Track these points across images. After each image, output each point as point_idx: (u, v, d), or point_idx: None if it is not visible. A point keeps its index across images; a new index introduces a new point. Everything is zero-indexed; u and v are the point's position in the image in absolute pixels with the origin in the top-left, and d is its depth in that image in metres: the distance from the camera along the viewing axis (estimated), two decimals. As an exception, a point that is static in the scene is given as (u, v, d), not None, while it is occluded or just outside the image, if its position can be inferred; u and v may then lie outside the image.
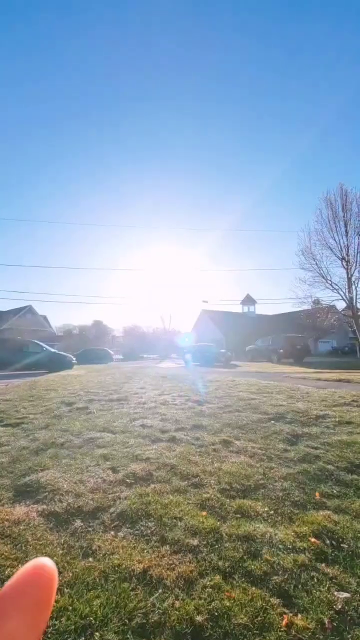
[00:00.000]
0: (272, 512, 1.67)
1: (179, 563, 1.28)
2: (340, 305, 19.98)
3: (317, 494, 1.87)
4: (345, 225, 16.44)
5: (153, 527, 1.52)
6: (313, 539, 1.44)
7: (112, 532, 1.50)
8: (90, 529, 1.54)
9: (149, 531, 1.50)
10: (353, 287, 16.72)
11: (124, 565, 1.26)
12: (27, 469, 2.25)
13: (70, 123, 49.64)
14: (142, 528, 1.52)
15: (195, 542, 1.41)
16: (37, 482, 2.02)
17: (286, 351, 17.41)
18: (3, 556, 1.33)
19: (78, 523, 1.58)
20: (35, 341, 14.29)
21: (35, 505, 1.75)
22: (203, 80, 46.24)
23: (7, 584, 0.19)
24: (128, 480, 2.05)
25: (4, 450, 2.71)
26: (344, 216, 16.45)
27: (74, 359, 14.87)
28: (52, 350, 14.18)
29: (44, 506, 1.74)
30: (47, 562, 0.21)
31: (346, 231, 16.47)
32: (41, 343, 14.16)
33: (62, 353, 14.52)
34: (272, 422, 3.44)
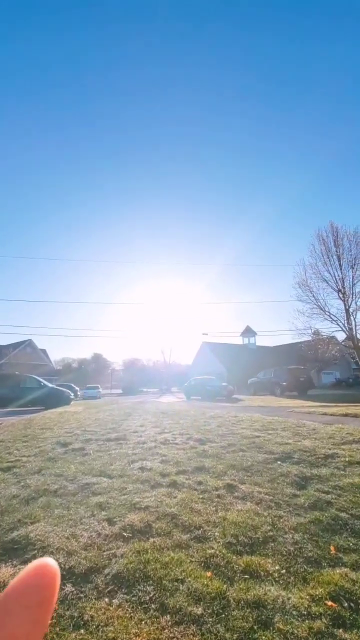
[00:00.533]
0: (283, 571, 1.51)
1: (181, 637, 1.14)
2: (341, 336, 20.01)
3: (332, 547, 1.71)
4: (339, 259, 17.11)
5: (152, 592, 1.37)
6: (330, 602, 1.29)
7: (107, 599, 1.35)
8: (82, 594, 1.38)
9: (147, 597, 1.34)
10: (351, 318, 16.88)
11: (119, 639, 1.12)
12: (16, 522, 2.08)
13: (71, 162, 54.08)
14: (140, 593, 1.37)
15: (199, 610, 1.26)
16: (25, 537, 1.86)
17: (289, 384, 17.03)
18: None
19: (69, 588, 1.42)
20: (33, 376, 14.03)
21: (23, 566, 1.59)
22: (203, 127, 51.41)
23: (12, 583, 0.20)
24: (125, 534, 1.88)
25: (-7, 499, 2.53)
26: (336, 251, 17.19)
27: (72, 394, 14.48)
28: (50, 385, 13.88)
29: (32, 566, 1.58)
30: (49, 562, 0.21)
31: (340, 264, 17.09)
32: (39, 378, 13.89)
33: (60, 388, 14.18)
34: (279, 462, 3.25)
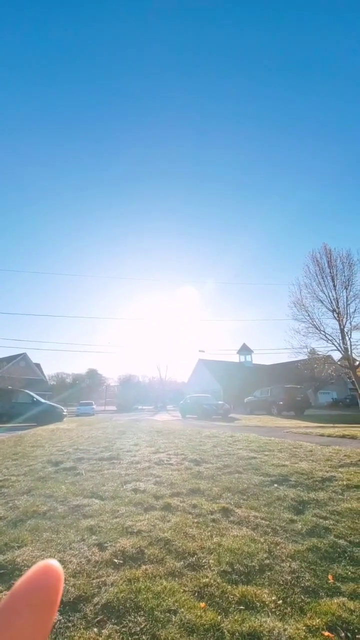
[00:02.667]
0: (280, 601, 1.46)
1: (173, 674, 1.08)
2: (337, 355, 20.05)
3: (330, 576, 1.66)
4: (333, 280, 17.47)
5: (143, 623, 1.31)
6: (326, 632, 1.24)
7: (96, 629, 1.28)
8: (70, 624, 1.31)
9: (138, 628, 1.28)
10: (346, 337, 17.01)
11: None
12: (3, 546, 1.99)
13: (67, 177, 55.72)
14: (131, 624, 1.31)
15: (192, 643, 1.20)
16: (12, 562, 1.78)
17: (286, 403, 16.84)
18: None
19: (57, 616, 1.35)
20: (26, 391, 13.75)
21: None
22: (201, 145, 53.85)
23: (18, 583, 0.21)
24: (116, 560, 1.81)
25: (-21, 520, 2.43)
26: (330, 272, 17.60)
27: (65, 410, 14.14)
28: (43, 401, 13.58)
29: (18, 595, 1.50)
30: (54, 563, 0.22)
31: (334, 285, 17.43)
32: (32, 393, 13.61)
33: (53, 404, 13.87)
34: (275, 485, 3.18)
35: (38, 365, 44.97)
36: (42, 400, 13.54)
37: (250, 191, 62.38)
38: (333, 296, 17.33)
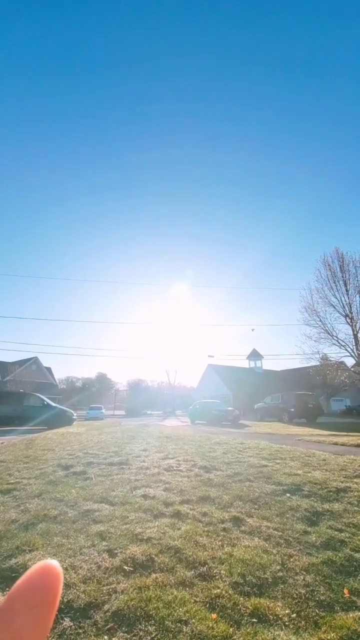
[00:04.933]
0: (294, 615, 1.41)
1: None
2: (350, 361, 19.56)
3: (346, 590, 1.60)
4: (345, 285, 17.15)
5: (154, 633, 1.29)
6: (345, 654, 1.19)
7: (106, 637, 1.27)
8: (80, 630, 1.31)
9: (148, 638, 1.27)
10: (360, 343, 16.58)
11: None
12: (14, 549, 2.01)
13: (76, 182, 56.88)
14: (141, 633, 1.29)
15: (203, 656, 1.18)
16: (23, 566, 1.79)
17: (298, 410, 16.46)
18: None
19: (67, 622, 1.35)
20: (37, 395, 13.97)
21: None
22: (210, 147, 54.25)
23: (17, 583, 0.20)
24: (126, 568, 1.80)
25: (-8, 523, 2.46)
26: (342, 276, 17.29)
27: (75, 414, 14.27)
28: (53, 404, 13.74)
29: (30, 598, 1.51)
30: (53, 563, 0.22)
31: (346, 289, 17.10)
32: (43, 397, 13.81)
33: (63, 408, 14.03)
34: (288, 495, 3.10)
35: (49, 369, 45.68)
36: (53, 404, 13.70)
37: (260, 194, 62.38)
38: (346, 301, 17.00)
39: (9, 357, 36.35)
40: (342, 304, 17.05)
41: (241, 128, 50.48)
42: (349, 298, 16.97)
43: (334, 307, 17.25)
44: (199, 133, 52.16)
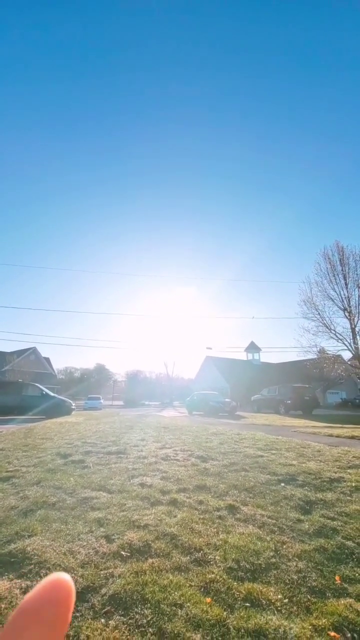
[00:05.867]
0: (286, 600, 1.45)
1: (179, 667, 1.09)
2: (347, 355, 19.69)
3: (337, 577, 1.64)
4: (345, 278, 17.10)
5: (150, 616, 1.33)
6: (332, 633, 1.23)
7: (103, 620, 1.31)
8: (78, 613, 1.34)
9: (144, 620, 1.30)
10: (357, 337, 16.66)
11: (114, 667, 1.08)
12: (14, 534, 2.05)
13: (75, 171, 56.00)
14: (137, 616, 1.33)
15: (198, 637, 1.21)
16: (22, 551, 1.83)
17: (294, 402, 16.67)
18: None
19: (65, 606, 1.39)
20: (36, 385, 14.02)
21: (19, 581, 1.56)
22: (207, 140, 53.17)
23: (27, 597, 0.20)
24: (123, 553, 1.84)
25: (-9, 509, 2.50)
26: (342, 270, 17.22)
27: (73, 404, 14.38)
28: (52, 394, 13.82)
29: (28, 582, 1.54)
30: (65, 577, 0.21)
31: (346, 283, 17.06)
32: (41, 387, 13.87)
33: (62, 398, 14.11)
34: (282, 484, 3.16)
35: (47, 359, 45.77)
36: (51, 394, 13.78)
37: (258, 187, 61.48)
38: (344, 295, 16.99)
39: (7, 347, 36.29)
40: (341, 297, 17.05)
41: (241, 120, 49.35)
42: (348, 292, 16.95)
43: (333, 301, 17.26)
44: (198, 124, 50.99)
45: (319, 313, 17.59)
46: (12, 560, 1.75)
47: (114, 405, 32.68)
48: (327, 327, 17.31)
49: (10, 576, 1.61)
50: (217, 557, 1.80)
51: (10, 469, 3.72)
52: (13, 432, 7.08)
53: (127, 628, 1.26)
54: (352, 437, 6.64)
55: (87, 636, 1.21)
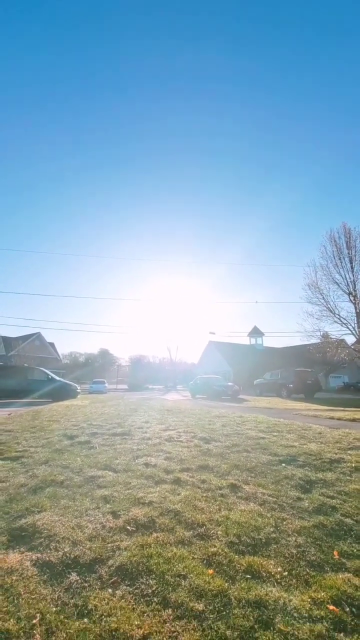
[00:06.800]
0: (285, 573, 1.51)
1: (183, 631, 1.15)
2: (350, 339, 19.65)
3: (335, 552, 1.70)
4: (351, 262, 16.76)
5: (154, 586, 1.39)
6: (331, 606, 1.28)
7: (110, 590, 1.38)
8: (86, 584, 1.41)
9: (149, 590, 1.37)
10: (362, 321, 16.54)
11: (121, 630, 1.14)
12: (24, 510, 2.14)
13: (80, 158, 54.43)
14: (143, 586, 1.39)
15: (200, 606, 1.27)
16: (33, 525, 1.91)
17: (296, 386, 16.84)
18: (-9, 613, 1.22)
19: (74, 576, 1.46)
20: (41, 369, 14.29)
21: (30, 553, 1.64)
22: (210, 120, 50.88)
23: None
24: (129, 528, 1.91)
25: (1, 487, 2.60)
26: (348, 253, 16.84)
27: (79, 388, 14.69)
28: (57, 378, 14.10)
29: (39, 554, 1.62)
30: None
31: (352, 267, 16.74)
32: (47, 371, 14.13)
33: (67, 382, 14.40)
34: (283, 465, 3.23)
35: (52, 344, 46.38)
36: (57, 378, 14.06)
37: (263, 167, 59.20)
38: (350, 278, 16.72)
39: (12, 333, 36.73)
40: (347, 281, 16.79)
41: (244, 98, 46.67)
42: (353, 275, 16.67)
43: (338, 285, 17.01)
44: (200, 102, 48.38)
45: (323, 297, 17.40)
46: (23, 534, 1.83)
47: (119, 389, 33.33)
48: (331, 311, 17.18)
49: (22, 549, 1.68)
50: (219, 532, 1.86)
51: (19, 449, 3.85)
52: (21, 415, 7.29)
53: (133, 597, 1.33)
54: (354, 420, 6.73)
55: (95, 606, 1.27)
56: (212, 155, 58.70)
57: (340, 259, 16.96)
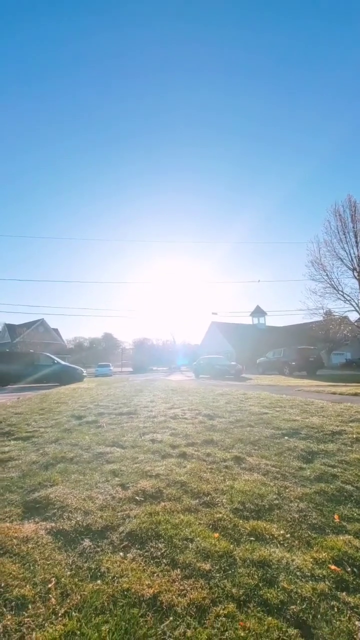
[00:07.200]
0: (288, 535, 1.59)
1: (191, 589, 1.23)
2: (354, 316, 19.56)
3: (336, 516, 1.77)
4: (355, 236, 16.30)
5: (163, 549, 1.47)
6: (333, 566, 1.35)
7: (121, 553, 1.46)
8: (98, 549, 1.49)
9: (159, 553, 1.45)
10: (366, 297, 16.36)
11: (133, 590, 1.22)
12: (37, 484, 2.24)
13: (81, 140, 52.24)
14: (152, 549, 1.47)
15: (207, 566, 1.35)
16: (46, 498, 2.00)
17: (298, 364, 17.00)
18: (12, 575, 1.30)
19: (86, 542, 1.54)
20: (47, 354, 14.50)
21: (44, 523, 1.73)
22: (211, 96, 48.01)
23: None
24: (138, 498, 2.00)
25: (15, 464, 2.71)
26: (353, 227, 16.35)
27: (84, 371, 14.96)
28: (63, 363, 14.34)
29: (53, 524, 1.71)
30: None
31: (356, 241, 16.31)
32: (53, 356, 14.35)
33: (72, 366, 14.65)
34: (286, 438, 3.32)
35: (56, 330, 46.80)
36: (63, 362, 14.31)
37: (266, 145, 56.25)
38: (355, 254, 16.35)
39: (16, 320, 36.99)
40: (351, 257, 16.44)
41: (248, 74, 43.33)
42: (358, 250, 16.28)
43: (342, 261, 16.68)
44: (202, 79, 45.10)
45: (326, 274, 17.14)
46: (37, 506, 1.93)
47: (123, 371, 33.95)
48: (334, 288, 16.98)
49: (36, 519, 1.77)
50: (224, 500, 1.94)
51: (30, 430, 3.98)
52: (29, 398, 7.48)
53: (144, 560, 1.41)
54: (355, 394, 6.83)
55: (107, 568, 1.35)
56: (216, 132, 55.78)
57: (344, 233, 16.51)
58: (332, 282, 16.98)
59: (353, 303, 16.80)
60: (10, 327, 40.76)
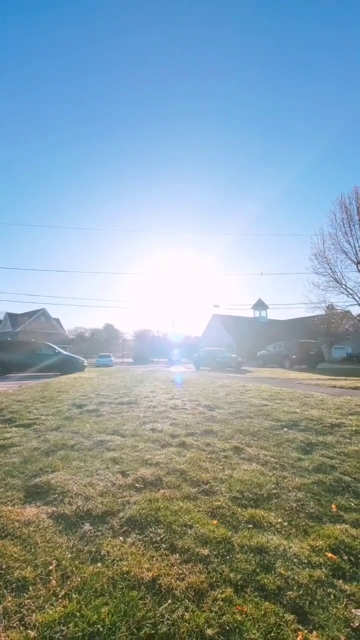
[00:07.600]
0: (285, 523, 1.61)
1: (189, 573, 1.25)
2: (356, 310, 19.48)
3: (333, 506, 1.79)
4: (361, 229, 16.05)
5: (162, 534, 1.49)
6: (330, 554, 1.37)
7: (121, 538, 1.48)
8: (99, 533, 1.52)
9: (158, 538, 1.47)
10: (369, 291, 16.24)
11: (132, 573, 1.24)
12: (38, 470, 2.27)
13: (82, 131, 51.20)
14: (152, 534, 1.49)
15: (205, 551, 1.37)
16: (47, 483, 2.03)
17: (299, 357, 17.03)
18: (13, 557, 1.33)
19: (87, 527, 1.56)
20: (48, 344, 14.56)
21: (45, 507, 1.75)
22: (214, 85, 46.65)
23: None
24: (137, 485, 2.02)
25: (16, 450, 2.75)
26: (359, 219, 16.08)
27: (85, 361, 15.05)
28: (65, 352, 14.40)
29: (54, 508, 1.73)
30: None
31: (362, 234, 16.07)
32: (54, 346, 14.41)
33: (74, 356, 14.73)
34: (285, 429, 3.34)
35: (57, 320, 46.93)
36: (64, 352, 14.38)
37: (267, 134, 54.78)
38: (359, 246, 16.13)
39: (18, 309, 37.08)
40: (356, 250, 16.25)
41: (248, 62, 41.68)
42: (363, 244, 16.06)
43: (346, 254, 16.51)
44: (203, 67, 43.48)
45: (330, 267, 17.00)
46: (39, 491, 1.95)
47: (124, 362, 34.16)
48: (337, 281, 16.85)
49: (38, 504, 1.80)
50: (222, 489, 1.96)
51: (31, 417, 4.02)
52: (31, 387, 7.55)
53: (143, 544, 1.43)
54: (355, 388, 6.85)
55: (108, 552, 1.37)
56: (216, 121, 54.28)
57: (350, 226, 16.28)
58: (336, 276, 16.87)
59: (356, 297, 16.71)
60: (11, 316, 40.90)
